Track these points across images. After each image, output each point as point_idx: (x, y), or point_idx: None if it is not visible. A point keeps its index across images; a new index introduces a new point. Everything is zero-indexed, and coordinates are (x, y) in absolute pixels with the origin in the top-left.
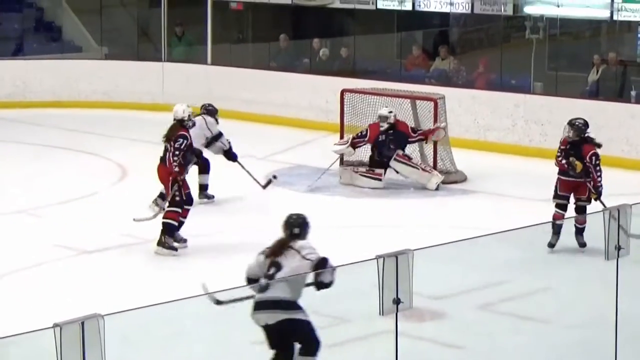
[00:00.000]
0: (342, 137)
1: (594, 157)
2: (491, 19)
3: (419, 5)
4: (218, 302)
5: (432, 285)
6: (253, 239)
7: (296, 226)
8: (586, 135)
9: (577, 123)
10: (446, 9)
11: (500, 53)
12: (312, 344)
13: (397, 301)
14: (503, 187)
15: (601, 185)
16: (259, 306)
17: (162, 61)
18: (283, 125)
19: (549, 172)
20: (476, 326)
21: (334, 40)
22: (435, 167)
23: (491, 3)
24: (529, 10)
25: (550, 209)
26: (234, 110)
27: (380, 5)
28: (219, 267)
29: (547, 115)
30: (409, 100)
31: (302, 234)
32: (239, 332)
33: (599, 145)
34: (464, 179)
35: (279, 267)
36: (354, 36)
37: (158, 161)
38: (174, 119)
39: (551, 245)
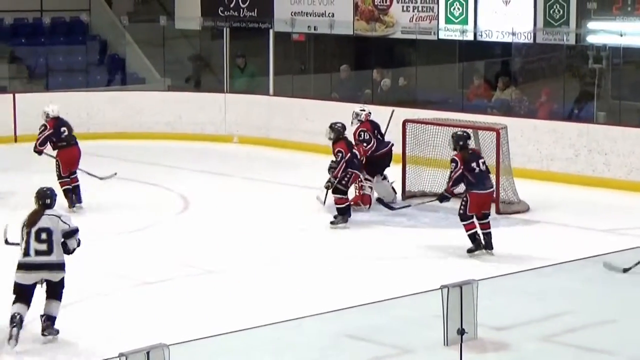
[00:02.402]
0: (404, 168)
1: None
2: (554, 48)
3: (481, 35)
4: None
5: (495, 316)
6: (313, 270)
7: (42, 197)
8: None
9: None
10: (508, 38)
11: (563, 82)
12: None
13: (461, 331)
14: (566, 217)
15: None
16: (43, 267)
17: (224, 92)
18: None
19: (612, 202)
20: (539, 357)
21: (396, 70)
22: (497, 197)
23: (553, 32)
24: (591, 39)
25: (613, 239)
26: (295, 140)
27: (442, 36)
28: (282, 295)
29: (611, 145)
30: (471, 131)
31: (45, 204)
32: None
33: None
34: (526, 209)
35: (49, 231)
36: (415, 66)
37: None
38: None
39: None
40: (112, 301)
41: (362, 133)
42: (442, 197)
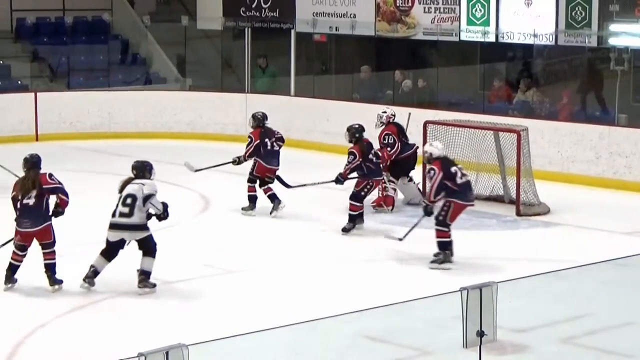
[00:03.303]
0: (424, 169)
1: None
2: (575, 50)
3: (503, 37)
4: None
5: (514, 318)
6: (332, 271)
7: (134, 169)
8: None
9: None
10: (530, 40)
11: (585, 84)
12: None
13: (481, 333)
14: (587, 219)
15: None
16: (124, 227)
17: (245, 92)
18: None
19: (633, 204)
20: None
21: (417, 72)
22: (518, 199)
23: (575, 34)
24: (613, 41)
25: (635, 242)
26: (316, 141)
27: (463, 37)
28: (301, 296)
29: (632, 147)
30: (492, 132)
31: (139, 175)
32: None
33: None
34: (547, 211)
35: (133, 197)
36: (437, 68)
37: None
38: None
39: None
40: (132, 300)
41: (387, 137)
42: (337, 180)
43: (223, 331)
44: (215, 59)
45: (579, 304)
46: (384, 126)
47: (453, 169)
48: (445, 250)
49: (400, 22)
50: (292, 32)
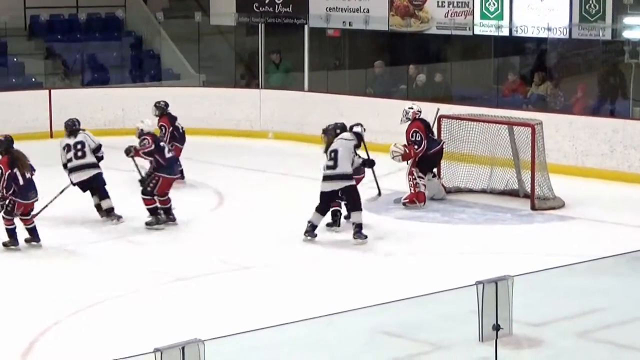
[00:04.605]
0: (439, 168)
1: None
2: (589, 43)
3: (516, 31)
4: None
5: (530, 312)
6: (347, 266)
7: (338, 127)
8: None
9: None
10: (544, 34)
11: (599, 78)
12: (358, 203)
13: (496, 327)
14: (601, 213)
15: None
16: (332, 178)
17: (259, 88)
18: (380, 152)
19: None
20: (574, 354)
21: (431, 66)
22: (533, 193)
23: (589, 28)
24: (627, 34)
25: None
26: None
27: (477, 31)
28: (317, 291)
29: None
30: (506, 126)
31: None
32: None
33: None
34: (561, 205)
35: (336, 151)
36: (450, 62)
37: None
38: None
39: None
40: (148, 297)
41: (415, 134)
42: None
43: (239, 326)
44: (229, 54)
45: (594, 298)
46: (409, 122)
47: (162, 144)
48: (155, 214)
49: (414, 17)
50: (306, 27)
